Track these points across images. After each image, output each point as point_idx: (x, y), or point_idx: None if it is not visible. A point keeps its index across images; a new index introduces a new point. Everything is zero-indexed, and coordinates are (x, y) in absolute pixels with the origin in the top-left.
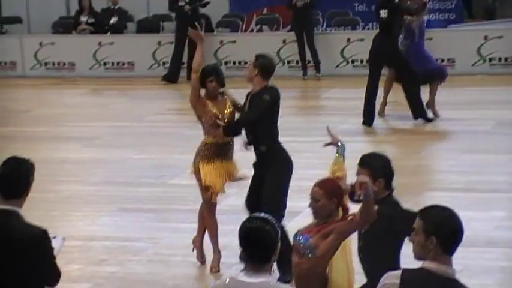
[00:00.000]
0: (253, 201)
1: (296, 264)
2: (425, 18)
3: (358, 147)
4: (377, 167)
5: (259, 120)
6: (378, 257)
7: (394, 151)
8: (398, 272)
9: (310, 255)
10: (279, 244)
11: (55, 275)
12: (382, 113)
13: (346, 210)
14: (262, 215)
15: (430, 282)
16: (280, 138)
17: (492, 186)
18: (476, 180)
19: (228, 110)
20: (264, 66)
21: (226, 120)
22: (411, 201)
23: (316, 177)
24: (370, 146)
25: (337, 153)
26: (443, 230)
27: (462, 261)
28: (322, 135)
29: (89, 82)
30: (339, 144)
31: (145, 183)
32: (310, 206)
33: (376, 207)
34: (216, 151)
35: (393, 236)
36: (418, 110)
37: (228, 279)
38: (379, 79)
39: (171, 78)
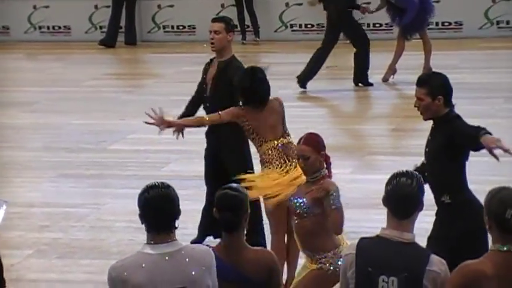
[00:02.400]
0: None
1: (299, 225)
2: None
3: (299, 112)
4: (435, 84)
5: None
6: (442, 174)
7: (333, 115)
8: (355, 243)
9: (310, 214)
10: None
11: None
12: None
13: (328, 159)
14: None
15: (384, 248)
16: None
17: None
18: (415, 144)
19: None
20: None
21: None
22: (351, 166)
23: None
24: (312, 110)
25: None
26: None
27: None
28: None
29: (24, 46)
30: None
31: (85, 149)
32: (300, 164)
33: None
34: None
35: (454, 152)
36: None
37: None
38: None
39: (108, 42)
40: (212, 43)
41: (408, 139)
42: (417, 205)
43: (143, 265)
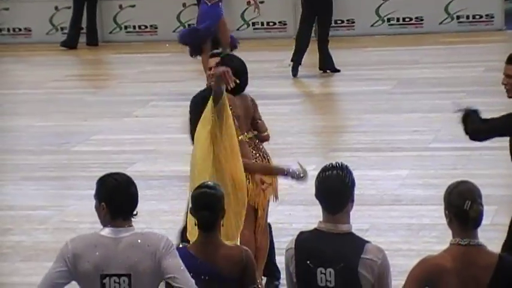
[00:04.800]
0: None
1: None
2: None
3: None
4: None
5: None
6: None
7: (297, 112)
8: (294, 237)
9: None
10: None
11: None
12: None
13: None
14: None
15: (321, 240)
16: (185, 102)
17: (395, 145)
18: (379, 140)
19: None
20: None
21: None
22: (315, 163)
23: None
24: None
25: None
26: None
27: (369, 220)
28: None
29: None
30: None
31: (48, 151)
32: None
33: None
34: None
35: None
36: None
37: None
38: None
39: (70, 44)
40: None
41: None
42: (347, 198)
43: (96, 246)
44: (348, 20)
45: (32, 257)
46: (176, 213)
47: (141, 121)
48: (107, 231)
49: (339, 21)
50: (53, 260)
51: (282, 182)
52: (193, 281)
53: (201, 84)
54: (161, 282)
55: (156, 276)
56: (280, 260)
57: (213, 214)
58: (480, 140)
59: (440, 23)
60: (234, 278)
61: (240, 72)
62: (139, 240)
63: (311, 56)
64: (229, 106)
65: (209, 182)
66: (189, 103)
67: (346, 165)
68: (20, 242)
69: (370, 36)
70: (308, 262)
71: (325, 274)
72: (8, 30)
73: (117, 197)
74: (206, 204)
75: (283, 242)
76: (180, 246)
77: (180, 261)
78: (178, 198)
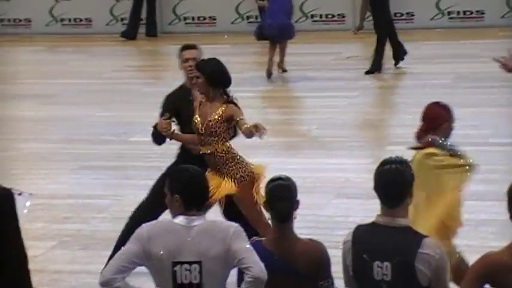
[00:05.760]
0: None
1: None
2: None
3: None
4: None
5: None
6: None
7: (358, 103)
8: (351, 231)
9: None
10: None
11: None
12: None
13: None
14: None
15: (378, 234)
16: (242, 94)
17: (453, 140)
18: None
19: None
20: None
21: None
22: (372, 156)
23: (278, 125)
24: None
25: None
26: None
27: None
28: (284, 90)
29: (46, 39)
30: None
31: (106, 141)
32: None
33: None
34: None
35: None
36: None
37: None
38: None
39: (129, 34)
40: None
41: None
42: (406, 192)
43: (169, 232)
44: (407, 13)
45: (91, 246)
46: None
47: None
48: (180, 219)
49: (398, 14)
50: (110, 249)
51: (338, 175)
52: (262, 264)
53: (258, 76)
54: (231, 270)
55: (226, 262)
56: (337, 253)
57: (289, 204)
58: None
59: (502, 16)
60: (310, 274)
61: (219, 73)
62: (210, 228)
63: (369, 49)
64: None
65: (282, 175)
66: (246, 94)
67: (405, 159)
68: (79, 230)
69: (430, 29)
70: (365, 255)
71: (381, 268)
72: (69, 20)
73: (191, 190)
74: (282, 195)
75: (339, 236)
76: (254, 239)
77: (250, 245)
78: None
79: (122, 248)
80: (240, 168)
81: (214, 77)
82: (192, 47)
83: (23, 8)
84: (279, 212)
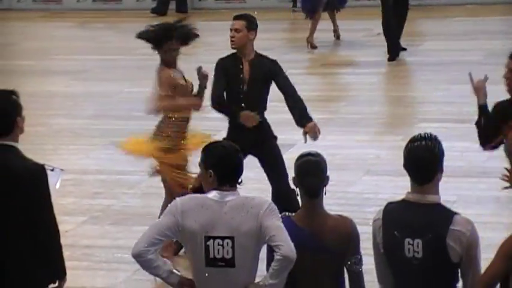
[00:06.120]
0: None
1: None
2: None
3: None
4: None
5: None
6: None
7: (385, 82)
8: (381, 208)
9: None
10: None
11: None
12: None
13: None
14: None
15: (408, 211)
16: None
17: None
18: (467, 111)
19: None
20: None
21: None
22: (402, 133)
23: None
24: (365, 77)
25: None
26: None
27: (456, 192)
28: (314, 66)
29: (76, 15)
30: None
31: (137, 117)
32: None
33: None
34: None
35: None
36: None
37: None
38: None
39: (160, 10)
40: (232, 41)
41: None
42: (436, 169)
43: (202, 206)
44: None
45: (121, 221)
46: (262, 181)
47: None
48: (213, 194)
49: None
50: (141, 224)
51: (368, 152)
52: (292, 243)
53: (288, 52)
54: (263, 245)
55: (258, 238)
56: (367, 230)
57: (319, 180)
58: None
59: None
60: (339, 250)
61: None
62: (243, 203)
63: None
64: None
65: (311, 150)
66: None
67: (435, 136)
68: (109, 205)
69: (460, 5)
70: (395, 233)
71: (412, 245)
72: None
73: (225, 165)
74: (311, 171)
75: (369, 213)
76: (285, 215)
77: (281, 223)
78: None
79: (156, 220)
80: None
81: None
82: (239, 17)
83: None
84: (308, 188)
